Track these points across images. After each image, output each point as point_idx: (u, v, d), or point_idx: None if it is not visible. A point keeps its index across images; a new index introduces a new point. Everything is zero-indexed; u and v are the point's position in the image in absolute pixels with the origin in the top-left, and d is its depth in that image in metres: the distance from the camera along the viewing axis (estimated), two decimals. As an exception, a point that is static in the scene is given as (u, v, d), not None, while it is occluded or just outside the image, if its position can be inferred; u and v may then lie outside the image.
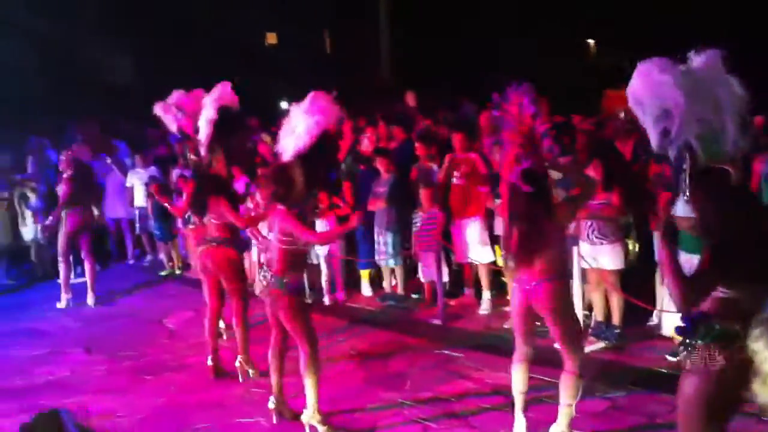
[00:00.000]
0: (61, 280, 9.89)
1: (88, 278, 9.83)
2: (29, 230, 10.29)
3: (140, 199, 11.59)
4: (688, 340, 3.55)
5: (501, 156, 5.26)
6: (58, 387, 7.00)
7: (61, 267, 9.77)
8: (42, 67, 17.68)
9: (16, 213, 11.22)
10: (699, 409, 3.54)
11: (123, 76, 18.71)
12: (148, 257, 12.03)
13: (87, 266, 9.85)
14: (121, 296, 10.19)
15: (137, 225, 11.83)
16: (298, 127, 5.59)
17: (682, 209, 5.36)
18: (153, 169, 11.71)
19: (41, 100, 15.80)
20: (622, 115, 8.77)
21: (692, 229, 3.77)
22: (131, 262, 11.99)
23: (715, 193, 3.61)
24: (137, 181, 11.65)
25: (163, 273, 11.14)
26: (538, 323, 5.23)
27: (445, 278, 8.33)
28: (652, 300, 7.00)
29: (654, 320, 7.17)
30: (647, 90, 3.79)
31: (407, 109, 11.90)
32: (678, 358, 3.70)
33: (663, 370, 6.21)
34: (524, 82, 4.91)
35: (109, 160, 12.12)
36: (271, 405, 5.87)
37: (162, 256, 11.50)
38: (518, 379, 5.25)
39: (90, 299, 9.73)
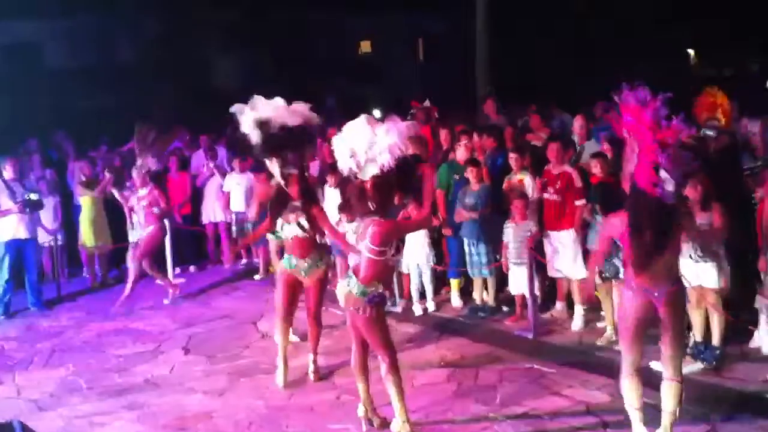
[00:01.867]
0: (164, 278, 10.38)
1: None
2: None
3: (237, 203, 11.87)
4: None
5: (626, 163, 5.20)
6: (156, 386, 7.26)
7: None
8: (149, 68, 18.24)
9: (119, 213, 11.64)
10: None
11: (226, 80, 19.15)
12: (244, 260, 12.31)
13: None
14: (217, 298, 10.45)
15: (234, 229, 12.13)
16: (379, 143, 5.65)
17: None
18: (250, 175, 11.98)
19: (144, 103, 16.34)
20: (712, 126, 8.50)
21: None
22: (227, 265, 12.28)
23: None
24: (235, 186, 11.94)
25: (257, 277, 11.38)
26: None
27: (537, 291, 8.23)
28: (754, 319, 6.77)
29: (756, 341, 6.92)
30: None
31: (498, 119, 11.85)
32: None
33: (766, 395, 6.00)
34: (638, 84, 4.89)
35: (211, 164, 12.43)
36: (360, 413, 5.94)
37: (257, 259, 11.76)
38: (633, 393, 5.24)
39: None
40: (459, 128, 10.33)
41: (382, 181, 5.63)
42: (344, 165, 5.74)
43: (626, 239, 5.09)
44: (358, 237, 5.70)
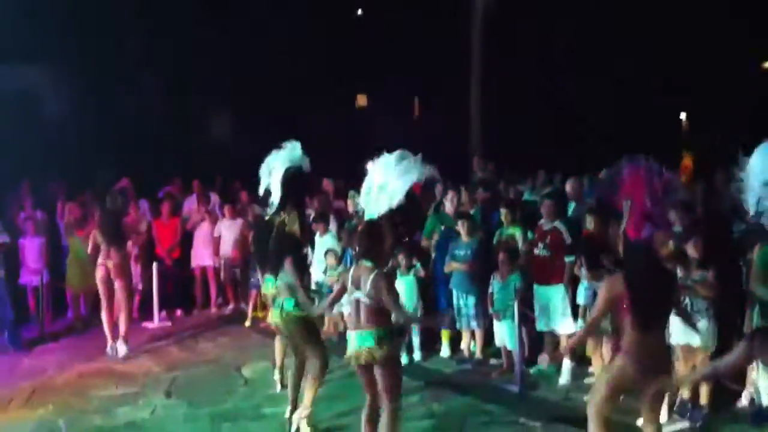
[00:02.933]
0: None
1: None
2: None
3: (227, 248, 11.91)
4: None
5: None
6: (137, 429, 7.14)
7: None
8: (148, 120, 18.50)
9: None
10: None
11: (220, 133, 19.45)
12: (230, 306, 12.26)
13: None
14: (202, 343, 10.36)
15: (222, 274, 12.11)
16: (387, 185, 5.71)
17: None
18: (240, 221, 12.03)
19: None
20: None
21: None
22: (214, 310, 12.22)
23: None
24: (225, 231, 11.98)
25: (247, 323, 11.29)
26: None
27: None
28: (742, 380, 6.74)
29: (743, 402, 6.88)
30: (760, 162, 3.92)
31: (490, 175, 12.00)
32: None
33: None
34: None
35: (203, 210, 12.49)
36: None
37: (244, 305, 11.76)
38: None
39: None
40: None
41: (374, 229, 5.69)
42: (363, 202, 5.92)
43: (626, 299, 5.05)
44: (354, 284, 5.68)
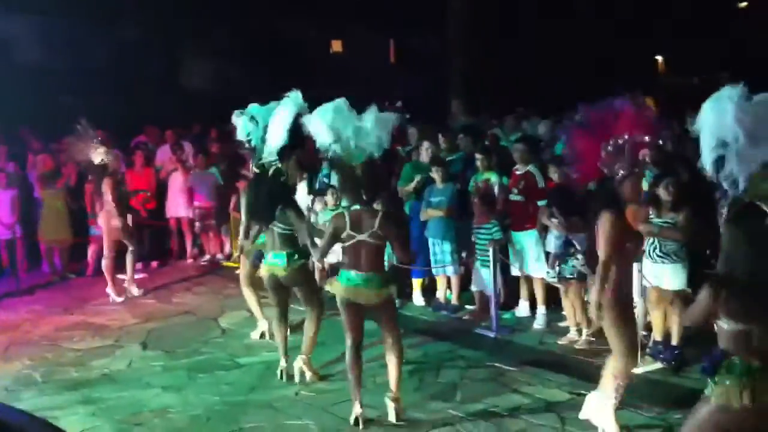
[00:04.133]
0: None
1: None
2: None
3: (201, 198, 11.81)
4: (714, 378, 3.65)
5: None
6: (113, 381, 7.14)
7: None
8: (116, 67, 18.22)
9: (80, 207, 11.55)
10: None
11: (196, 80, 19.25)
12: (207, 256, 12.22)
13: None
14: (178, 294, 10.33)
15: (197, 224, 12.03)
16: (365, 132, 5.72)
17: None
18: (214, 171, 11.92)
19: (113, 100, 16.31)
20: None
21: None
22: (189, 261, 12.17)
23: (746, 230, 3.63)
24: (198, 182, 11.88)
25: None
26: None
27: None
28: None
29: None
30: (712, 118, 3.85)
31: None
32: (706, 392, 3.78)
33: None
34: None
35: (176, 160, 12.34)
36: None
37: (221, 255, 11.78)
38: None
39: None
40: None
41: (374, 172, 5.81)
42: (324, 145, 5.89)
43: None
44: (352, 228, 5.73)
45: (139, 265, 11.47)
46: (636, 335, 5.64)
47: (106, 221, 10.04)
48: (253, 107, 7.15)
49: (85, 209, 11.45)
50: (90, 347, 8.17)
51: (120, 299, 9.95)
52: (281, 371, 6.90)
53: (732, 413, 3.59)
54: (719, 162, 3.79)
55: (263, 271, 6.89)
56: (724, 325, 3.65)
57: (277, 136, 6.67)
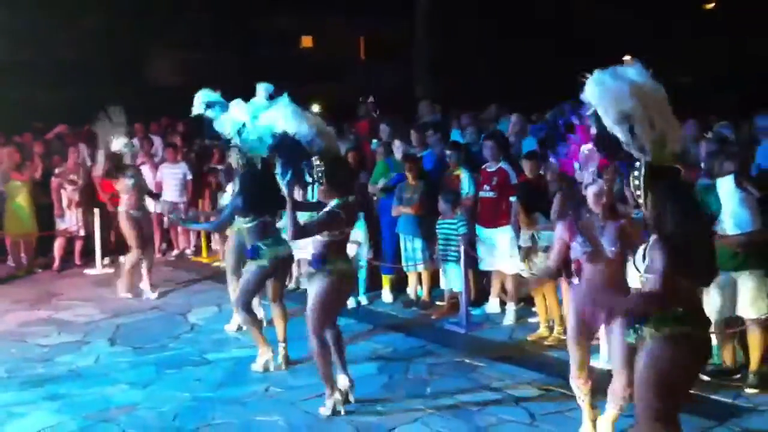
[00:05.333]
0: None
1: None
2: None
3: (170, 193, 11.68)
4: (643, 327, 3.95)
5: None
6: (80, 377, 7.05)
7: None
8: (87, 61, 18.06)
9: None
10: (657, 384, 3.90)
11: (166, 74, 19.16)
12: (175, 251, 12.12)
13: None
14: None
15: (165, 219, 11.90)
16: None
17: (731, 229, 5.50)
18: (183, 165, 11.83)
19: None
20: None
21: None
22: (158, 255, 12.05)
23: (669, 191, 3.91)
24: (167, 176, 11.77)
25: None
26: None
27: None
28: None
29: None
30: (605, 96, 4.04)
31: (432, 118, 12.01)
32: (631, 341, 4.09)
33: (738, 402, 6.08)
34: None
35: (144, 154, 12.20)
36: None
37: (189, 250, 11.70)
38: None
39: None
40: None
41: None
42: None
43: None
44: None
45: (105, 260, 11.41)
46: None
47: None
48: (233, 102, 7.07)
49: (50, 203, 11.35)
50: (56, 343, 8.05)
51: (128, 296, 9.75)
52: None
53: (667, 349, 3.89)
54: (630, 133, 4.00)
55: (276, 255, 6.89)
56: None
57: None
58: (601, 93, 4.06)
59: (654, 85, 4.13)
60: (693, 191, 4.15)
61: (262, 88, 6.89)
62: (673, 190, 3.93)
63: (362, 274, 8.92)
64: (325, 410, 5.89)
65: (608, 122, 4.03)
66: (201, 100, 7.24)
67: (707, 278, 4.07)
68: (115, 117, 9.79)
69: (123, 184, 9.66)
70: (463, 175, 8.63)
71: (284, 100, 6.17)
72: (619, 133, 4.00)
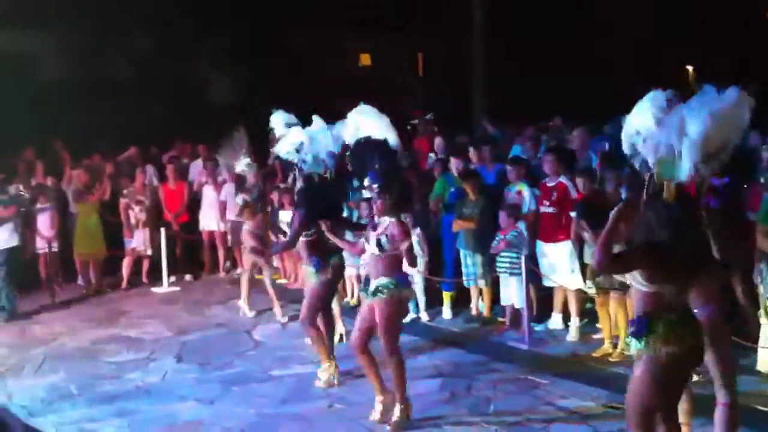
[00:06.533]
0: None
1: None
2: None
3: (233, 212, 11.86)
4: (644, 338, 4.06)
5: None
6: (147, 393, 7.19)
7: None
8: (146, 85, 18.49)
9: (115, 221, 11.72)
10: (650, 388, 4.09)
11: (226, 95, 19.52)
12: (239, 269, 12.30)
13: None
14: (212, 307, 10.41)
15: (229, 237, 12.10)
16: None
17: None
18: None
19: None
20: None
21: None
22: (222, 274, 12.26)
23: (660, 210, 4.10)
24: (231, 195, 11.96)
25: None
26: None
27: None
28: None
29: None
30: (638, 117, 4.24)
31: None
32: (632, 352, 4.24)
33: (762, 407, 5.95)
34: None
35: (208, 174, 12.43)
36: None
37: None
38: None
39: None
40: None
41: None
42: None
43: None
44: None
45: (172, 279, 11.64)
46: None
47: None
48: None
49: (119, 223, 11.65)
50: (125, 360, 8.24)
51: (251, 314, 9.80)
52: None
53: (663, 362, 4.02)
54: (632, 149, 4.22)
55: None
56: (642, 288, 4.09)
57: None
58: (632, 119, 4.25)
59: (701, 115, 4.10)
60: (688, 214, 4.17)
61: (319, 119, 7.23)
62: (662, 210, 4.10)
63: (418, 289, 8.90)
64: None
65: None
66: (280, 121, 7.41)
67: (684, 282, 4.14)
68: (238, 138, 9.99)
69: (248, 205, 9.95)
70: (525, 191, 8.58)
71: (362, 107, 6.56)
72: (625, 145, 4.25)
